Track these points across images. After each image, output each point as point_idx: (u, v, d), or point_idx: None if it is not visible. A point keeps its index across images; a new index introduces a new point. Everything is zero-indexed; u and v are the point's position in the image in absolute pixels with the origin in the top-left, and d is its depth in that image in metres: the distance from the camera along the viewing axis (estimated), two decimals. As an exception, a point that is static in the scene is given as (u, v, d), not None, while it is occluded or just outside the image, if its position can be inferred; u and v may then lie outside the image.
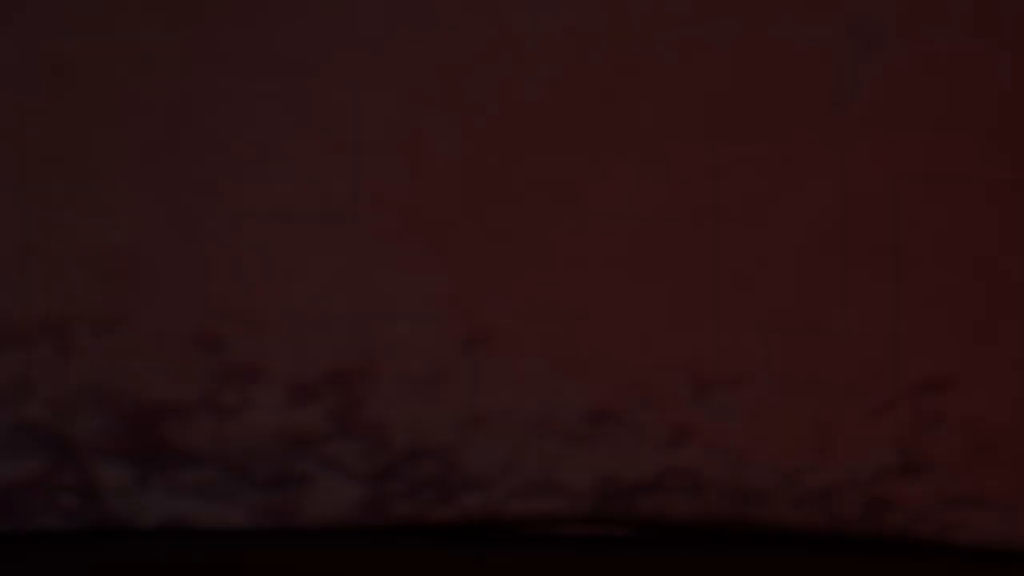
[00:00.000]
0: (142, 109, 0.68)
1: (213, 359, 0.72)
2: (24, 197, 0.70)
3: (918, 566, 0.74)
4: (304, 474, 0.74)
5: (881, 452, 0.75)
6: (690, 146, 0.70)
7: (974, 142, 0.71)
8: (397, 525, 0.75)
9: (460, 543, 0.74)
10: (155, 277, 0.71)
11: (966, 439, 0.75)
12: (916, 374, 0.74)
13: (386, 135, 0.70)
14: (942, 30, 0.68)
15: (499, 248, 0.72)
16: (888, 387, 0.74)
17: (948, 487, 0.75)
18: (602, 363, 0.73)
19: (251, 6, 0.66)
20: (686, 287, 0.73)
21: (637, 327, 0.73)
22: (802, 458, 0.75)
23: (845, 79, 0.68)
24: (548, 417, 0.74)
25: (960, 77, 0.69)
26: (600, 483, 0.74)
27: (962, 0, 0.68)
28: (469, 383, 0.73)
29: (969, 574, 0.74)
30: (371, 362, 0.72)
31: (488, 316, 0.72)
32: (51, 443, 0.73)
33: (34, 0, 0.66)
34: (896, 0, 0.67)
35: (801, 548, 0.76)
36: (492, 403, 0.73)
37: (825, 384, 0.74)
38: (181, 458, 0.73)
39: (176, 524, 0.74)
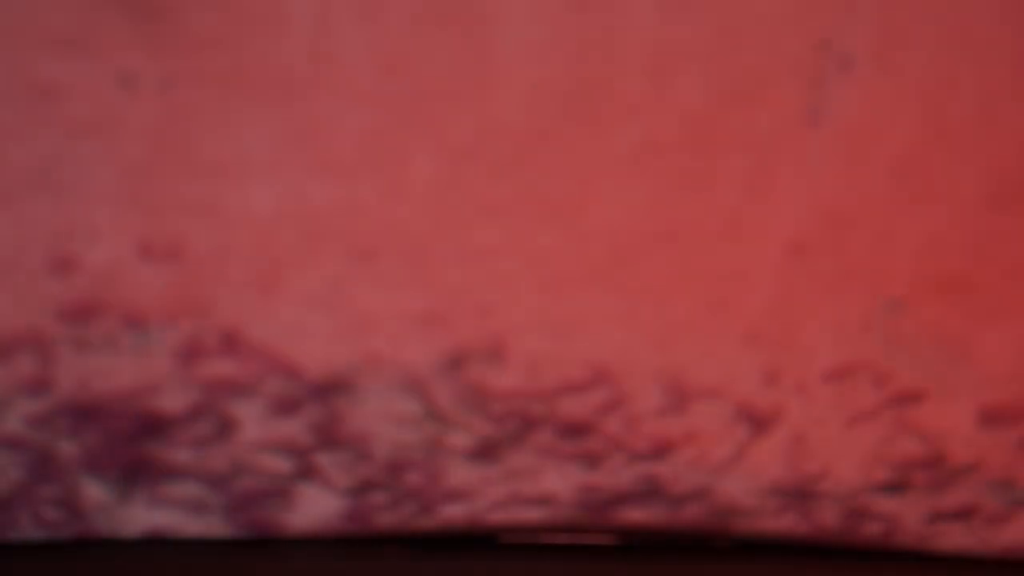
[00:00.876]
0: (125, 128, 0.68)
1: (195, 373, 0.72)
2: (5, 213, 0.70)
3: (897, 575, 0.75)
4: (287, 486, 0.74)
5: (860, 463, 0.75)
6: (666, 162, 0.70)
7: (947, 160, 0.71)
8: (379, 536, 0.75)
9: (441, 553, 0.75)
10: (137, 292, 0.71)
11: (942, 450, 0.75)
12: (893, 387, 0.74)
13: (366, 152, 0.70)
14: (914, 48, 0.68)
15: (479, 264, 0.72)
16: (866, 399, 0.74)
17: (926, 498, 0.76)
18: (582, 377, 0.73)
19: (231, 26, 0.66)
20: (664, 301, 0.73)
21: (616, 341, 0.73)
22: (782, 468, 0.75)
23: (818, 96, 0.68)
24: (528, 429, 0.74)
25: (932, 95, 0.69)
26: (581, 494, 0.75)
27: (934, 20, 0.68)
28: (450, 397, 0.73)
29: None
30: (354, 376, 0.72)
31: (468, 331, 0.72)
32: (33, 458, 0.73)
33: (21, 24, 0.66)
34: (869, 18, 0.67)
35: (781, 557, 0.76)
36: (473, 417, 0.73)
37: (803, 396, 0.74)
38: (164, 471, 0.73)
39: (158, 535, 0.74)
